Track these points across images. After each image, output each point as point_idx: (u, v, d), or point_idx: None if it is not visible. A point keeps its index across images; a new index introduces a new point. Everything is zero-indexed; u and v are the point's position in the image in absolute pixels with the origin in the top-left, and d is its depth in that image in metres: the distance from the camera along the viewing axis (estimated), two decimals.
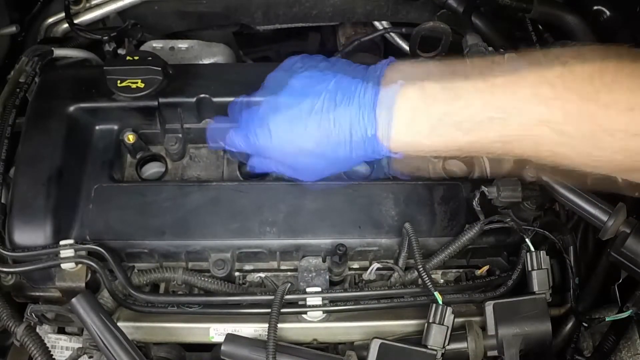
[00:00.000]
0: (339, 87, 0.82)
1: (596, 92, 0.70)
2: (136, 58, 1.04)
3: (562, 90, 0.71)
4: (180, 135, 1.06)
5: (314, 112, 0.82)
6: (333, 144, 0.83)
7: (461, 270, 1.03)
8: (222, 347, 0.85)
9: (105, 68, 1.02)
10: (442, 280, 1.02)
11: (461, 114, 0.76)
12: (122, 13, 1.32)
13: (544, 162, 0.78)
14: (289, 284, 0.91)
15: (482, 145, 0.78)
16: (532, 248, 0.92)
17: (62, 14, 1.26)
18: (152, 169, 1.10)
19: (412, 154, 0.83)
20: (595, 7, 1.28)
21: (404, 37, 1.42)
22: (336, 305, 0.93)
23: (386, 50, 1.50)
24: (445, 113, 0.77)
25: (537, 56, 0.74)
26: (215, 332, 0.93)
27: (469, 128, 0.76)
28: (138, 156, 1.07)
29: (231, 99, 1.03)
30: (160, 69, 1.02)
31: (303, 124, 0.83)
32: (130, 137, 1.03)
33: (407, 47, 1.40)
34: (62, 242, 0.92)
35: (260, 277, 1.00)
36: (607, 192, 0.85)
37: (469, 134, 0.77)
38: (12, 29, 1.25)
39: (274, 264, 1.00)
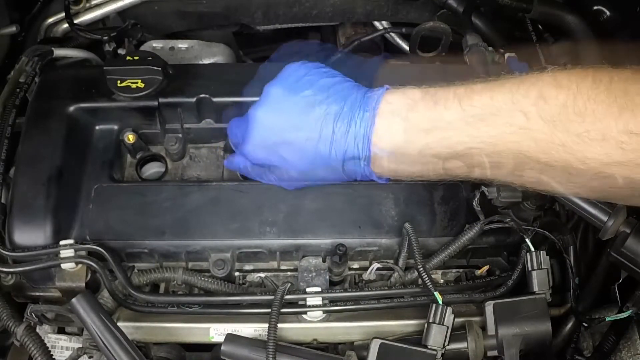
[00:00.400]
0: (337, 113, 0.85)
1: (568, 121, 0.71)
2: (136, 58, 1.04)
3: (535, 119, 0.73)
4: (180, 135, 1.06)
5: (311, 134, 0.85)
6: (327, 167, 0.87)
7: (461, 270, 1.03)
8: (222, 347, 0.85)
9: (105, 68, 1.02)
10: (442, 280, 1.02)
11: (440, 145, 0.79)
12: (122, 13, 1.32)
13: (527, 187, 0.81)
14: (289, 284, 0.91)
15: (461, 171, 0.82)
16: (532, 248, 0.92)
17: (62, 14, 1.26)
18: (152, 169, 1.10)
19: (399, 179, 0.88)
20: (595, 7, 1.28)
21: (404, 37, 1.42)
22: (336, 305, 0.93)
23: (386, 50, 1.50)
24: (425, 143, 0.80)
25: (515, 83, 0.76)
26: (215, 332, 0.93)
27: (447, 157, 0.80)
28: (138, 156, 1.07)
29: (231, 99, 1.03)
30: (160, 69, 1.02)
31: (300, 145, 0.86)
32: (130, 137, 1.03)
33: (407, 47, 1.40)
34: (62, 242, 0.92)
35: (260, 277, 1.00)
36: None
37: (449, 162, 0.81)
38: (12, 29, 1.25)
39: (274, 264, 1.00)
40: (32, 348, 0.83)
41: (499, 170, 0.79)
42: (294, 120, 0.86)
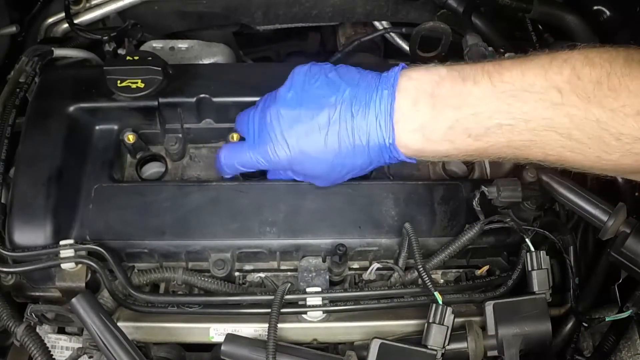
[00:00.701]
0: (354, 96, 0.83)
1: (603, 96, 0.70)
2: (136, 58, 1.04)
3: (569, 95, 0.72)
4: (180, 135, 1.06)
5: (331, 123, 0.84)
6: (352, 154, 0.85)
7: (461, 270, 1.03)
8: (222, 347, 0.85)
9: (105, 68, 1.02)
10: (442, 280, 1.02)
11: (470, 121, 0.77)
12: (122, 13, 1.32)
13: (554, 165, 0.80)
14: (289, 284, 0.91)
15: (492, 150, 0.80)
16: (532, 248, 0.92)
17: (62, 14, 1.26)
18: (152, 169, 1.10)
19: (425, 159, 0.85)
20: (595, 7, 1.28)
21: (404, 37, 1.42)
22: (336, 305, 0.93)
23: (386, 50, 1.50)
24: (455, 119, 0.78)
25: (546, 60, 0.75)
26: (215, 332, 0.93)
27: (478, 134, 0.78)
28: (138, 156, 1.07)
29: (231, 99, 1.03)
30: (160, 69, 1.02)
31: (322, 137, 0.84)
32: (130, 137, 1.03)
33: (407, 47, 1.40)
34: (62, 242, 0.92)
35: (260, 277, 1.00)
36: (607, 190, 0.85)
37: (479, 139, 0.78)
38: (12, 29, 1.25)
39: (274, 264, 1.00)
40: (32, 348, 0.83)
41: (530, 149, 0.77)
42: (312, 114, 0.85)
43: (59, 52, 1.17)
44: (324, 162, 0.87)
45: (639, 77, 0.70)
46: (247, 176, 1.04)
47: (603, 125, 0.71)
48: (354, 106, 0.83)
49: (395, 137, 0.81)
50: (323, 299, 0.92)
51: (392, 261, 0.97)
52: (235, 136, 1.05)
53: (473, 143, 0.79)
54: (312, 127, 0.85)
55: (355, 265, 1.01)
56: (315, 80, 0.87)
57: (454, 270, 1.03)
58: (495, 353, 0.88)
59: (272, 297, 0.90)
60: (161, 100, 1.02)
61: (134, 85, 1.01)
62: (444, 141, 0.80)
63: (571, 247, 0.95)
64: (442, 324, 0.85)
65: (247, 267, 1.01)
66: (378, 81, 0.84)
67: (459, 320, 0.88)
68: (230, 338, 0.86)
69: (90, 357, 0.88)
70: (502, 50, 1.17)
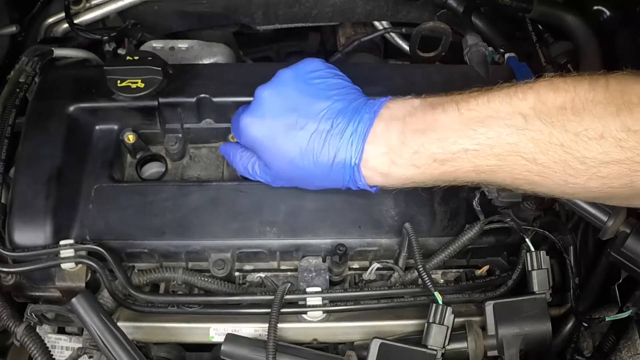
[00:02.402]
0: (341, 111, 0.85)
1: (567, 120, 0.71)
2: (136, 58, 1.04)
3: (533, 120, 0.73)
4: (180, 135, 1.06)
5: (309, 123, 0.85)
6: (315, 162, 0.85)
7: (461, 270, 1.03)
8: (222, 347, 0.85)
9: (105, 68, 1.02)
10: (442, 280, 1.02)
11: (436, 145, 0.79)
12: (122, 13, 1.32)
13: (523, 190, 0.81)
14: (289, 284, 0.91)
15: (458, 174, 0.81)
16: (532, 248, 0.92)
17: (62, 14, 1.26)
18: (152, 169, 1.10)
19: (391, 187, 0.86)
20: (595, 7, 1.28)
21: (404, 37, 1.42)
22: (336, 305, 0.93)
23: (386, 50, 1.50)
24: (421, 144, 0.80)
25: (512, 88, 0.77)
26: (215, 332, 0.93)
27: (444, 159, 0.79)
28: (138, 156, 1.07)
29: (231, 99, 1.03)
30: (160, 69, 1.02)
31: (295, 132, 0.85)
32: (130, 137, 1.03)
33: (407, 47, 1.40)
34: (62, 242, 0.92)
35: (260, 277, 1.00)
36: None
37: (445, 164, 0.80)
38: (12, 29, 1.25)
39: (274, 264, 1.00)
40: (32, 348, 0.83)
41: (497, 174, 0.78)
42: (296, 104, 0.86)
43: (59, 52, 1.17)
44: (286, 157, 0.87)
45: (603, 102, 0.70)
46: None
47: (567, 149, 0.72)
48: (336, 118, 0.85)
49: (363, 159, 0.83)
50: (323, 299, 0.92)
51: (392, 261, 0.97)
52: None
53: (439, 167, 0.80)
54: (290, 120, 0.86)
55: (355, 265, 1.01)
56: (314, 77, 0.89)
57: (454, 270, 1.03)
58: (495, 353, 0.88)
59: (272, 297, 0.90)
60: (161, 100, 1.02)
61: (134, 85, 1.01)
62: (410, 166, 0.81)
63: (571, 247, 0.95)
64: (442, 324, 0.85)
65: (247, 267, 1.01)
66: (365, 105, 0.86)
67: (459, 320, 0.88)
68: (230, 338, 0.86)
69: (90, 357, 0.88)
70: (502, 50, 1.17)
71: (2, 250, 0.92)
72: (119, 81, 1.01)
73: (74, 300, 0.83)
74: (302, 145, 0.85)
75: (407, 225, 0.94)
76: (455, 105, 0.79)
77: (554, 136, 0.72)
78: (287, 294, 0.90)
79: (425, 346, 0.84)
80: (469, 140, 0.77)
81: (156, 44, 1.25)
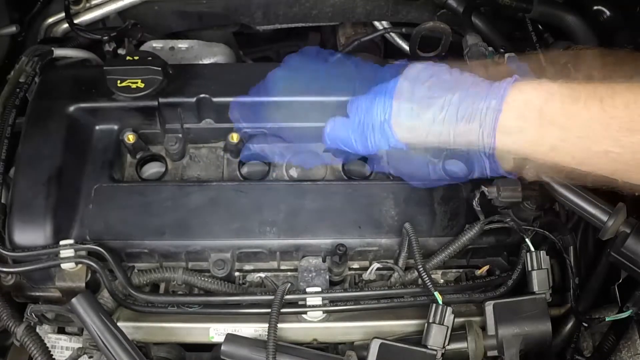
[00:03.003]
0: (462, 101, 0.82)
1: None
2: (136, 58, 1.04)
3: None
4: (180, 135, 1.06)
5: (435, 123, 0.83)
6: (448, 156, 0.85)
7: (461, 270, 1.03)
8: (222, 347, 0.85)
9: (105, 68, 1.02)
10: (442, 280, 1.02)
11: (576, 144, 0.75)
12: (122, 13, 1.33)
13: None
14: (289, 284, 0.91)
15: (592, 178, 0.78)
16: (532, 248, 0.92)
17: (62, 14, 1.27)
18: (152, 169, 1.09)
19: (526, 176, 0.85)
20: (595, 7, 1.28)
21: (404, 37, 1.42)
22: (336, 305, 0.93)
23: (386, 50, 1.50)
24: (560, 140, 0.76)
25: None
26: (215, 332, 0.93)
27: (583, 157, 0.76)
28: (138, 156, 1.07)
29: (231, 99, 1.03)
30: (160, 69, 1.02)
31: (423, 136, 0.84)
32: (130, 137, 1.03)
33: (407, 47, 1.40)
34: (62, 242, 0.92)
35: (260, 277, 1.00)
36: (607, 190, 0.85)
37: (582, 164, 0.77)
38: (12, 29, 1.25)
39: (274, 264, 1.00)
40: (32, 348, 0.83)
41: (631, 175, 0.75)
42: (419, 111, 0.84)
43: (59, 52, 1.18)
44: (421, 160, 0.88)
45: None
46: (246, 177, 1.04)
47: None
48: (459, 111, 0.81)
49: (497, 150, 0.80)
50: (323, 299, 0.92)
51: (392, 261, 0.98)
52: (234, 136, 1.04)
53: (575, 165, 0.77)
54: (415, 125, 0.84)
55: (355, 265, 1.01)
56: (427, 79, 0.86)
57: (454, 270, 1.03)
58: (495, 353, 0.88)
59: (272, 297, 0.90)
60: (161, 100, 1.02)
61: (134, 85, 1.01)
62: (547, 159, 0.78)
63: (571, 247, 0.95)
64: (442, 324, 0.85)
65: (247, 267, 1.01)
66: (489, 89, 0.81)
67: (459, 320, 0.88)
68: (230, 338, 0.86)
69: (90, 357, 0.88)
70: (502, 50, 1.17)
71: (2, 250, 0.92)
72: (119, 81, 1.01)
73: (74, 300, 0.83)
74: (432, 146, 0.84)
75: (407, 225, 0.94)
76: (598, 100, 0.73)
77: None
78: (287, 294, 0.90)
79: (425, 346, 0.84)
80: (612, 143, 0.73)
81: (156, 44, 1.25)
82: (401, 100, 0.85)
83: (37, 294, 0.98)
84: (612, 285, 0.94)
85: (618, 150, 0.73)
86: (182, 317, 0.94)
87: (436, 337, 0.84)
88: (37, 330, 0.87)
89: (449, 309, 0.86)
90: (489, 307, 0.88)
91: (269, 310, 0.87)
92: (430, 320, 0.86)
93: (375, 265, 0.97)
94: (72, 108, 1.02)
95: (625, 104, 0.72)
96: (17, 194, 0.95)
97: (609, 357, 0.93)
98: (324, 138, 0.95)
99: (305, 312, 0.92)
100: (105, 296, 0.95)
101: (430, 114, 0.83)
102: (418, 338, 0.86)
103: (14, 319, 0.86)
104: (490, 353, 0.88)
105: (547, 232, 0.93)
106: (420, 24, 1.20)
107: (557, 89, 0.77)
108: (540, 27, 1.32)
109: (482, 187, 0.94)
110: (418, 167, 0.92)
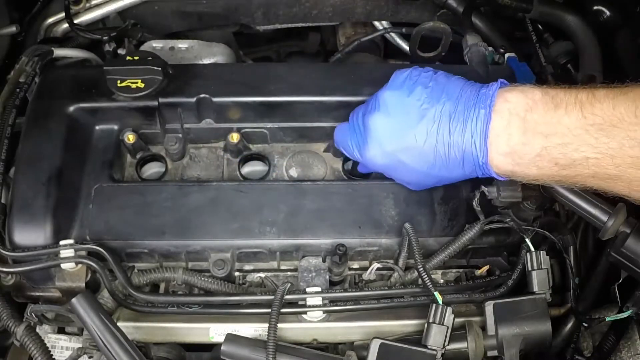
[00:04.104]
0: (453, 111, 0.84)
1: None
2: (136, 58, 1.04)
3: None
4: (180, 135, 1.06)
5: (428, 136, 0.85)
6: (446, 166, 0.86)
7: (461, 270, 1.03)
8: (222, 347, 0.85)
9: (105, 68, 1.02)
10: (442, 280, 1.02)
11: (558, 151, 0.77)
12: (122, 13, 1.33)
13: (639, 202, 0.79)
14: (289, 284, 0.91)
15: (578, 179, 0.80)
16: (532, 248, 0.92)
17: (62, 14, 1.26)
18: (152, 169, 1.10)
19: (517, 179, 0.85)
20: (595, 7, 1.28)
21: (404, 37, 1.42)
22: (336, 305, 0.93)
23: (386, 50, 1.50)
24: (544, 147, 0.78)
25: (637, 93, 0.74)
26: (215, 332, 0.93)
27: (565, 164, 0.78)
28: (138, 156, 1.07)
29: (231, 99, 1.03)
30: (160, 69, 1.02)
31: (418, 148, 0.86)
32: (130, 137, 1.03)
33: (407, 47, 1.40)
34: (62, 242, 0.92)
35: (260, 277, 1.00)
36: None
37: (565, 169, 0.78)
38: (12, 29, 1.25)
39: (274, 264, 1.00)
40: (32, 348, 0.83)
41: (616, 183, 0.77)
42: (411, 124, 0.86)
43: (59, 52, 1.17)
44: (418, 172, 0.89)
45: None
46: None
47: None
48: (452, 122, 0.84)
49: (488, 158, 0.83)
50: (323, 299, 0.92)
51: (392, 261, 0.98)
52: (234, 136, 1.05)
53: (559, 171, 0.79)
54: (410, 138, 0.86)
55: (355, 265, 1.01)
56: (414, 87, 0.88)
57: (454, 270, 1.03)
58: (495, 353, 0.88)
59: (272, 297, 0.90)
60: (161, 100, 1.02)
61: (134, 85, 1.01)
62: (532, 166, 0.80)
63: (571, 247, 0.95)
64: (442, 324, 0.85)
65: (247, 267, 1.01)
66: (476, 98, 0.84)
67: (459, 320, 0.88)
68: (230, 338, 0.86)
69: (90, 357, 0.88)
70: (502, 50, 1.17)
71: (2, 250, 0.92)
72: (119, 81, 1.01)
73: (74, 300, 0.83)
74: (429, 159, 0.86)
75: (407, 225, 0.94)
76: (578, 106, 0.76)
77: None
78: (287, 294, 0.90)
79: (425, 346, 0.84)
80: (591, 149, 0.75)
81: (156, 44, 1.25)
82: (389, 113, 0.88)
83: (37, 294, 0.98)
84: (612, 285, 0.94)
85: (597, 155, 0.75)
86: (182, 317, 0.94)
87: (436, 337, 0.84)
88: (37, 330, 0.87)
89: (449, 309, 0.86)
90: (489, 307, 0.88)
91: (269, 310, 0.87)
92: (430, 320, 0.86)
93: (375, 265, 0.97)
94: (72, 108, 1.02)
95: (603, 111, 0.74)
96: (17, 194, 0.95)
97: (609, 357, 0.93)
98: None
99: (305, 312, 0.92)
100: (105, 296, 0.95)
101: (424, 128, 0.85)
102: (418, 338, 0.86)
103: (14, 319, 0.86)
104: (490, 353, 0.88)
105: (547, 232, 0.93)
106: (420, 24, 1.20)
107: (540, 96, 0.80)
108: (540, 27, 1.32)
109: (482, 187, 0.94)
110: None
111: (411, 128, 0.86)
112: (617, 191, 0.79)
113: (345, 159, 1.08)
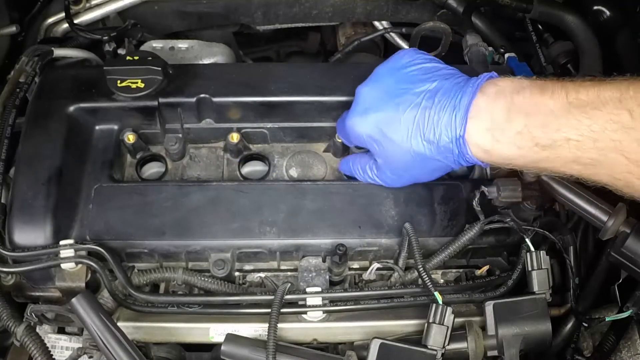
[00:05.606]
0: (440, 88, 0.86)
1: None
2: (136, 58, 1.04)
3: None
4: (180, 135, 1.06)
5: (411, 107, 0.86)
6: (423, 141, 0.86)
7: (461, 270, 1.03)
8: (222, 347, 0.85)
9: (105, 68, 1.02)
10: (442, 280, 1.02)
11: (538, 130, 0.78)
12: (122, 13, 1.33)
13: (622, 192, 0.78)
14: (289, 284, 0.91)
15: (558, 163, 0.79)
16: (532, 248, 0.92)
17: (62, 14, 1.27)
18: (152, 169, 1.10)
19: (492, 163, 0.85)
20: (595, 7, 1.28)
21: (404, 37, 1.43)
22: (336, 305, 0.93)
23: (386, 50, 1.50)
24: (524, 125, 0.78)
25: (624, 83, 0.74)
26: (215, 332, 0.93)
27: (545, 145, 0.78)
28: (138, 156, 1.07)
29: (231, 99, 1.03)
30: (160, 69, 1.02)
31: (399, 118, 0.87)
32: (130, 137, 1.03)
33: (407, 47, 1.40)
34: (62, 242, 0.92)
35: (260, 277, 1.00)
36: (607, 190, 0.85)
37: (546, 150, 0.78)
38: (12, 29, 1.25)
39: (274, 264, 1.00)
40: (32, 348, 0.83)
41: (597, 169, 0.76)
42: (397, 93, 0.88)
43: (59, 52, 1.17)
44: (396, 145, 0.88)
45: None
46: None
47: None
48: (437, 96, 0.85)
49: (467, 134, 0.83)
50: (323, 299, 0.92)
51: (392, 261, 0.98)
52: (234, 136, 1.05)
53: (539, 152, 0.79)
54: (392, 106, 0.88)
55: (355, 265, 1.01)
56: (409, 65, 0.90)
57: (454, 270, 1.03)
58: (495, 353, 0.88)
59: (272, 297, 0.90)
60: (161, 100, 1.02)
61: (134, 85, 1.01)
62: (512, 145, 0.80)
63: (571, 247, 0.95)
64: (442, 324, 0.85)
65: (247, 267, 1.01)
66: (467, 81, 0.86)
67: (459, 320, 0.88)
68: (230, 338, 0.86)
69: (90, 357, 0.88)
70: (502, 50, 1.17)
71: (2, 250, 0.92)
72: (119, 81, 1.01)
73: (74, 300, 0.83)
74: (408, 128, 0.86)
75: (407, 225, 0.94)
76: (564, 92, 0.77)
77: None
78: (287, 294, 0.90)
79: (425, 346, 0.84)
80: (572, 130, 0.75)
81: (156, 44, 1.25)
82: (378, 82, 0.91)
83: (37, 294, 0.98)
84: (612, 285, 0.94)
85: (578, 137, 0.75)
86: (182, 317, 0.94)
87: (436, 337, 0.84)
88: (37, 330, 0.87)
89: (449, 309, 0.86)
90: (489, 307, 0.88)
91: (269, 310, 0.87)
92: (430, 320, 0.86)
93: (375, 265, 0.97)
94: (72, 108, 1.02)
95: (588, 96, 0.75)
96: (17, 194, 0.95)
97: (609, 357, 0.93)
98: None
99: (305, 312, 0.92)
100: (105, 296, 0.95)
101: (409, 98, 0.87)
102: (418, 338, 0.86)
103: (14, 319, 0.86)
104: (490, 353, 0.88)
105: (547, 232, 0.93)
106: (420, 24, 1.20)
107: (529, 83, 0.81)
108: (540, 27, 1.32)
109: (482, 187, 0.94)
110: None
111: (396, 97, 0.88)
112: (599, 179, 0.78)
113: None
